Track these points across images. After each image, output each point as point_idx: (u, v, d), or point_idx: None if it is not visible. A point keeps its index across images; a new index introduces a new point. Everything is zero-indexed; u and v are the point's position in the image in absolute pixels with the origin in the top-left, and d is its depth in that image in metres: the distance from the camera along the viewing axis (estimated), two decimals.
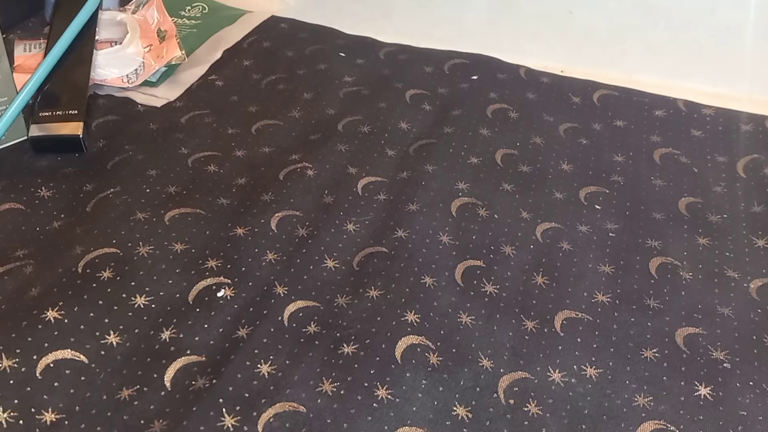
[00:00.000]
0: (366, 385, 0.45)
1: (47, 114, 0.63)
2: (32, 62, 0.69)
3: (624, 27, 0.79)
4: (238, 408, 0.43)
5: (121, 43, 0.71)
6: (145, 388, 0.44)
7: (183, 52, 0.75)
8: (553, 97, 0.75)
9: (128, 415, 0.43)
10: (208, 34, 0.82)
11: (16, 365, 0.44)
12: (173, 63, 0.74)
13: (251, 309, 0.50)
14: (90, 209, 0.57)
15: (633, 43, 0.79)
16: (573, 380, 0.47)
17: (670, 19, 0.77)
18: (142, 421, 0.42)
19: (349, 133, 0.68)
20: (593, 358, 0.48)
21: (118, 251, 0.52)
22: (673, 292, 0.53)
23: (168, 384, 0.45)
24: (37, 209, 0.57)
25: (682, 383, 0.47)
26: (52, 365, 0.45)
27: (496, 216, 0.59)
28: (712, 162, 0.67)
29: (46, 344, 0.46)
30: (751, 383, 0.47)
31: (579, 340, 0.49)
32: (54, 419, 0.42)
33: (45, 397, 0.43)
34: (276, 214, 0.57)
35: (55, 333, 0.46)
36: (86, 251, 0.52)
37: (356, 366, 0.46)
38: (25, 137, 0.63)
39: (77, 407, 0.43)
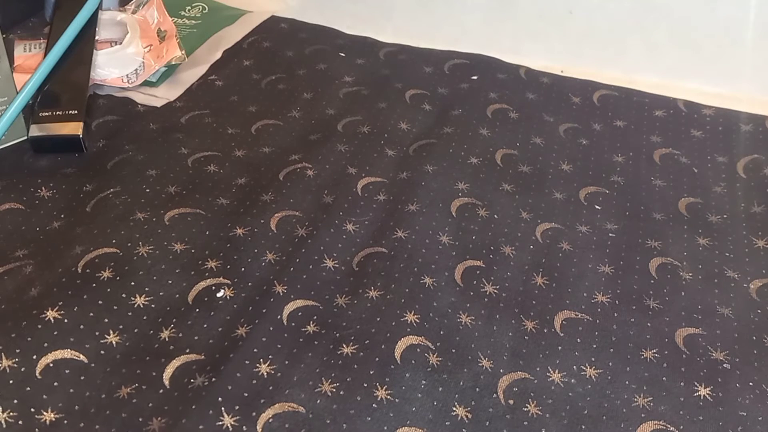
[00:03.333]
0: (365, 385, 0.45)
1: (47, 114, 0.63)
2: (32, 62, 0.69)
3: (624, 27, 0.79)
4: (237, 408, 0.43)
5: (121, 43, 0.71)
6: (143, 387, 0.44)
7: (183, 52, 0.75)
8: (553, 97, 0.75)
9: (127, 414, 0.43)
10: (208, 34, 0.82)
11: (15, 365, 0.44)
12: (173, 63, 0.74)
13: (250, 308, 0.50)
14: (90, 209, 0.57)
15: (633, 43, 0.79)
16: (573, 380, 0.47)
17: (670, 18, 0.77)
18: (140, 419, 0.42)
19: (349, 133, 0.68)
20: (593, 359, 0.48)
21: (118, 251, 0.52)
22: (673, 293, 0.53)
23: (167, 382, 0.45)
24: (37, 209, 0.57)
25: (682, 384, 0.47)
26: (51, 365, 0.45)
27: (496, 216, 0.59)
28: (712, 162, 0.67)
29: (45, 344, 0.46)
30: (751, 384, 0.47)
31: (579, 340, 0.49)
32: (53, 419, 0.42)
33: (44, 396, 0.43)
34: (276, 214, 0.57)
35: (55, 333, 0.46)
36: (86, 251, 0.52)
37: (356, 366, 0.46)
38: (25, 137, 0.63)
39: (76, 406, 0.43)
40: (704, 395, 0.46)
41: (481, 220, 0.59)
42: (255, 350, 0.47)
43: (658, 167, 0.66)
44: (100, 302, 0.49)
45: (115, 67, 0.70)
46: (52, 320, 0.47)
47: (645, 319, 0.51)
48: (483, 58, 0.80)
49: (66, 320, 0.47)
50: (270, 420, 0.43)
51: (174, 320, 0.48)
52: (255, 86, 0.74)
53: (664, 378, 0.47)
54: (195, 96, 0.72)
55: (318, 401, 0.44)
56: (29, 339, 0.46)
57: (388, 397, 0.45)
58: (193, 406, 0.43)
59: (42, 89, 0.64)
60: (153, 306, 0.49)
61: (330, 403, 0.44)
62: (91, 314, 0.48)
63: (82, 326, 0.47)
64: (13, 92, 0.62)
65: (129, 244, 0.53)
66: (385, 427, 0.43)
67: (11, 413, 0.42)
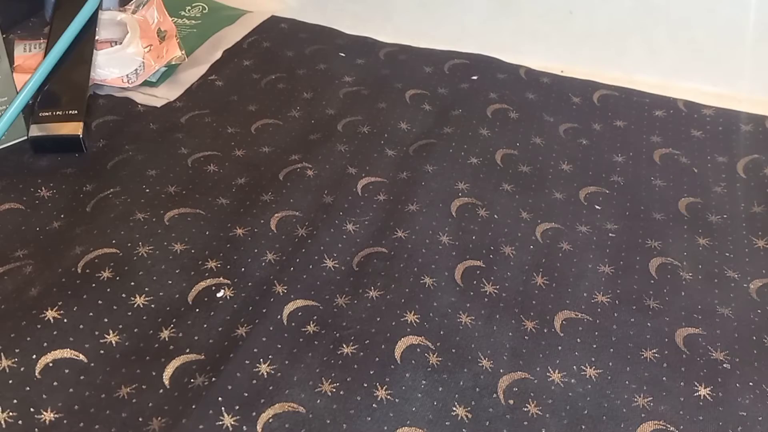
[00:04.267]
0: (365, 385, 0.45)
1: (47, 114, 0.63)
2: (32, 62, 0.69)
3: (624, 27, 0.79)
4: (237, 407, 0.43)
5: (121, 43, 0.71)
6: (143, 386, 0.44)
7: (183, 52, 0.75)
8: (553, 97, 0.75)
9: (126, 413, 0.43)
10: (208, 34, 0.82)
11: (15, 365, 0.44)
12: (173, 63, 0.74)
13: (250, 308, 0.50)
14: (90, 209, 0.57)
15: (633, 43, 0.79)
16: (572, 380, 0.47)
17: (669, 19, 0.77)
18: (140, 419, 0.42)
19: (348, 133, 0.68)
20: (593, 359, 0.48)
21: (118, 251, 0.52)
22: (673, 293, 0.53)
23: (167, 382, 0.45)
24: (37, 209, 0.57)
25: (682, 384, 0.47)
26: (51, 365, 0.45)
27: (496, 216, 0.59)
28: (712, 162, 0.67)
29: (45, 344, 0.46)
30: (750, 384, 0.47)
31: (579, 340, 0.49)
32: (53, 418, 0.42)
33: (44, 396, 0.43)
34: (276, 214, 0.57)
35: (55, 333, 0.46)
36: (86, 251, 0.52)
37: (356, 366, 0.46)
38: (25, 137, 0.63)
39: (76, 406, 0.43)
40: (704, 395, 0.46)
41: (481, 220, 0.59)
42: (255, 350, 0.47)
43: (658, 167, 0.66)
44: (99, 302, 0.49)
45: (115, 67, 0.70)
46: (52, 320, 0.47)
47: (645, 319, 0.51)
48: (483, 58, 0.80)
49: (65, 320, 0.47)
50: (270, 420, 0.43)
51: (174, 320, 0.48)
52: (255, 86, 0.74)
53: (664, 378, 0.47)
54: (195, 96, 0.72)
55: (318, 401, 0.44)
56: (29, 339, 0.46)
57: (388, 397, 0.45)
58: (193, 406, 0.43)
59: (42, 89, 0.64)
60: (153, 306, 0.49)
61: (330, 403, 0.44)
62: (91, 314, 0.48)
63: (81, 326, 0.47)
64: (13, 92, 0.62)
65: (129, 244, 0.53)
66: (385, 427, 0.43)
67: (11, 413, 0.42)
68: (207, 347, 0.47)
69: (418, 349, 0.48)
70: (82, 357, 0.46)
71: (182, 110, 0.70)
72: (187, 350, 0.47)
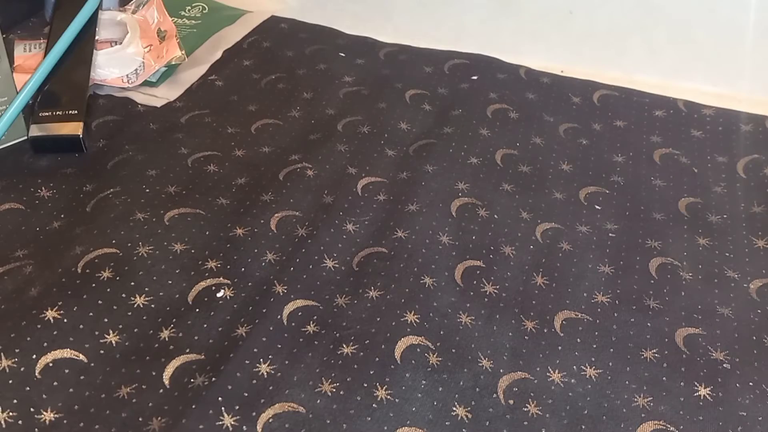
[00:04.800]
0: (365, 385, 0.45)
1: (47, 114, 0.63)
2: (32, 62, 0.69)
3: (624, 27, 0.79)
4: (237, 407, 0.43)
5: (121, 43, 0.71)
6: (143, 386, 0.44)
7: (183, 52, 0.75)
8: (553, 97, 0.75)
9: (126, 413, 0.43)
10: (208, 34, 0.82)
11: (15, 365, 0.44)
12: (173, 63, 0.74)
13: (250, 308, 0.50)
14: (90, 209, 0.57)
15: (633, 43, 0.79)
16: (573, 380, 0.47)
17: (670, 19, 0.77)
18: (140, 419, 0.42)
19: (348, 133, 0.68)
20: (593, 359, 0.48)
21: (118, 251, 0.52)
22: (673, 293, 0.53)
23: (167, 382, 0.45)
24: (37, 209, 0.57)
25: (682, 384, 0.47)
26: (51, 365, 0.45)
27: (496, 216, 0.59)
28: (712, 162, 0.67)
29: (45, 344, 0.46)
30: (750, 384, 0.47)
31: (579, 340, 0.49)
32: (53, 418, 0.42)
33: (44, 396, 0.43)
34: (276, 214, 0.57)
35: (55, 333, 0.46)
36: (86, 251, 0.52)
37: (356, 366, 0.46)
38: (25, 137, 0.63)
39: (76, 406, 0.43)
40: (704, 395, 0.46)
41: (481, 220, 0.59)
42: (255, 350, 0.47)
43: (658, 167, 0.66)
44: (99, 302, 0.49)
45: (115, 67, 0.70)
46: (52, 320, 0.47)
47: (645, 319, 0.51)
48: (483, 58, 0.80)
49: (65, 320, 0.47)
50: (270, 420, 0.43)
51: (174, 320, 0.48)
52: (255, 86, 0.74)
53: (664, 378, 0.47)
54: (195, 96, 0.72)
55: (318, 401, 0.44)
56: (29, 339, 0.46)
57: (388, 397, 0.45)
58: (193, 406, 0.43)
59: (42, 89, 0.64)
60: (153, 306, 0.49)
61: (330, 403, 0.44)
62: (91, 314, 0.48)
63: (81, 326, 0.47)
64: (13, 92, 0.62)
65: (129, 244, 0.53)
66: (385, 427, 0.43)
67: (11, 413, 0.42)
68: (207, 347, 0.47)
69: (418, 349, 0.48)
70: (82, 357, 0.46)
71: (182, 110, 0.70)
72: (187, 350, 0.47)
